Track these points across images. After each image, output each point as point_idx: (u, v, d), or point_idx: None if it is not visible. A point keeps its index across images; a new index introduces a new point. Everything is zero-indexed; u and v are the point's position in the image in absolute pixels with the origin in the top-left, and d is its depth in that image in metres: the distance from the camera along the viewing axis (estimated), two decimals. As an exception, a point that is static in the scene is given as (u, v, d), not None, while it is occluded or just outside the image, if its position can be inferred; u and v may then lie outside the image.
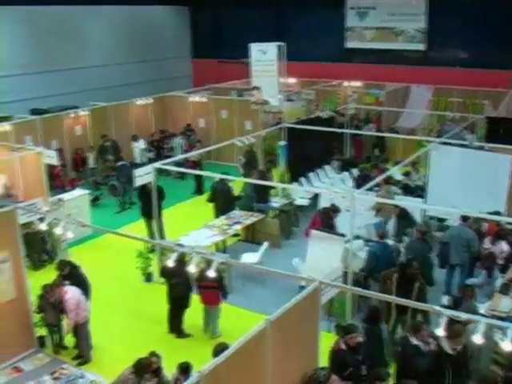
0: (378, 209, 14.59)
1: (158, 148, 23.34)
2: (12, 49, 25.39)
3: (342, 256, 11.80)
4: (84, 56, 28.33)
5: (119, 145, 21.94)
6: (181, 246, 10.59)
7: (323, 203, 14.81)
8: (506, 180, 14.86)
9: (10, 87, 24.75)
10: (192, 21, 34.83)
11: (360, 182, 16.47)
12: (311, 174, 19.45)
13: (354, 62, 29.55)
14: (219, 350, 8.12)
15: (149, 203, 14.96)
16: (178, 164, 17.62)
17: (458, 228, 13.20)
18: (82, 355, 11.42)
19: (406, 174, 17.82)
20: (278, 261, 13.57)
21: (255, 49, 18.18)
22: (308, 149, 19.09)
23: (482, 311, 10.22)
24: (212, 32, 33.59)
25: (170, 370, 9.33)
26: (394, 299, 9.29)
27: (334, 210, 13.79)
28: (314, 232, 12.68)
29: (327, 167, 20.35)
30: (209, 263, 9.85)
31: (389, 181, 15.91)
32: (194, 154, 18.68)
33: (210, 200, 16.43)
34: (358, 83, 27.69)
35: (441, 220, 15.49)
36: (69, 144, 21.17)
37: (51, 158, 16.54)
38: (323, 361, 8.82)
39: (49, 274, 12.41)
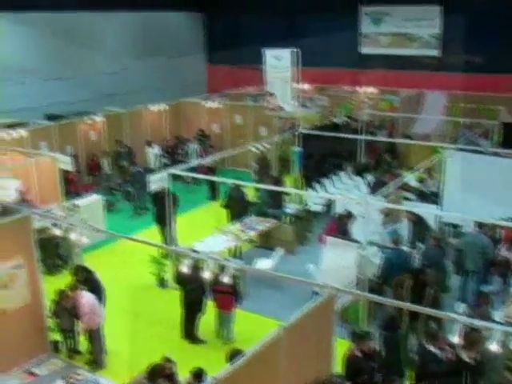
0: (387, 213, 14.51)
1: (173, 154, 23.38)
2: (27, 55, 25.56)
3: (357, 262, 11.75)
4: (98, 62, 28.45)
5: (134, 150, 22.01)
6: (195, 251, 10.60)
7: (338, 209, 14.78)
8: (522, 186, 14.75)
9: (26, 93, 24.90)
10: (206, 27, 34.91)
11: (374, 188, 16.42)
12: (326, 180, 19.41)
13: (369, 68, 29.48)
14: (233, 355, 8.10)
15: (162, 209, 14.97)
16: (192, 170, 17.64)
17: (473, 235, 13.12)
18: (96, 360, 11.43)
19: (421, 181, 17.74)
20: (293, 267, 13.53)
21: (270, 55, 18.23)
22: (322, 155, 19.07)
23: (497, 318, 10.15)
24: (226, 38, 33.64)
25: (183, 376, 9.31)
26: (408, 306, 9.23)
27: (348, 216, 13.74)
28: (328, 238, 12.65)
29: (342, 173, 20.31)
30: (223, 268, 9.84)
31: (403, 187, 15.85)
32: (207, 160, 18.70)
33: (225, 206, 16.44)
34: (372, 89, 27.61)
35: (456, 226, 15.39)
36: (84, 150, 21.25)
37: (66, 163, 16.61)
38: (338, 367, 8.78)
39: (63, 279, 12.45)
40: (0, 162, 16.84)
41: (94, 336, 11.35)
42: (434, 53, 28.45)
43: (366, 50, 30.43)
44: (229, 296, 11.80)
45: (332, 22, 29.62)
